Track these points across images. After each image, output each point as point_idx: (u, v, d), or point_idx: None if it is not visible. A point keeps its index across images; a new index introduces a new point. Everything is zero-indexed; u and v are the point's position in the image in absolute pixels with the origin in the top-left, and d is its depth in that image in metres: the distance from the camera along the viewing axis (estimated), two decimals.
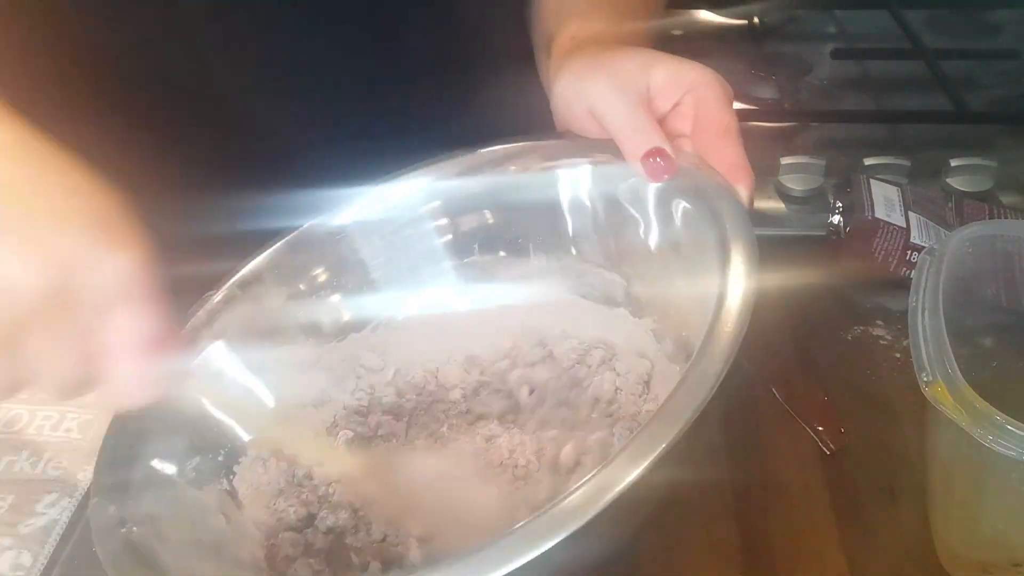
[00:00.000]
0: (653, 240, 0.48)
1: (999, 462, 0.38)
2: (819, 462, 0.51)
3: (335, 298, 0.52)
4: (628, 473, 0.31)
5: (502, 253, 0.53)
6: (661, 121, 0.45)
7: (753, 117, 0.85)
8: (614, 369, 0.50)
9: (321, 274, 0.52)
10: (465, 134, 0.52)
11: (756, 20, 0.99)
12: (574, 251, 0.52)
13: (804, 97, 0.89)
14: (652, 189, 0.46)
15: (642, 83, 0.45)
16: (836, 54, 0.94)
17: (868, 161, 0.75)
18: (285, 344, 0.51)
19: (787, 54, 0.95)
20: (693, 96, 0.45)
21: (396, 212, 0.52)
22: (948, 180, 0.74)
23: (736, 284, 0.37)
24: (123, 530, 0.37)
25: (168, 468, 0.43)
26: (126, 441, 0.42)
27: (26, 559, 0.47)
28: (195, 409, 0.45)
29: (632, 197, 0.48)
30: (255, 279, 0.50)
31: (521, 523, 0.31)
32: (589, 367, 0.50)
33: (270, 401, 0.49)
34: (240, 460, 0.47)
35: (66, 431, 0.55)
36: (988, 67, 0.92)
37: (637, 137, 0.45)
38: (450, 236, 0.53)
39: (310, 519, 0.46)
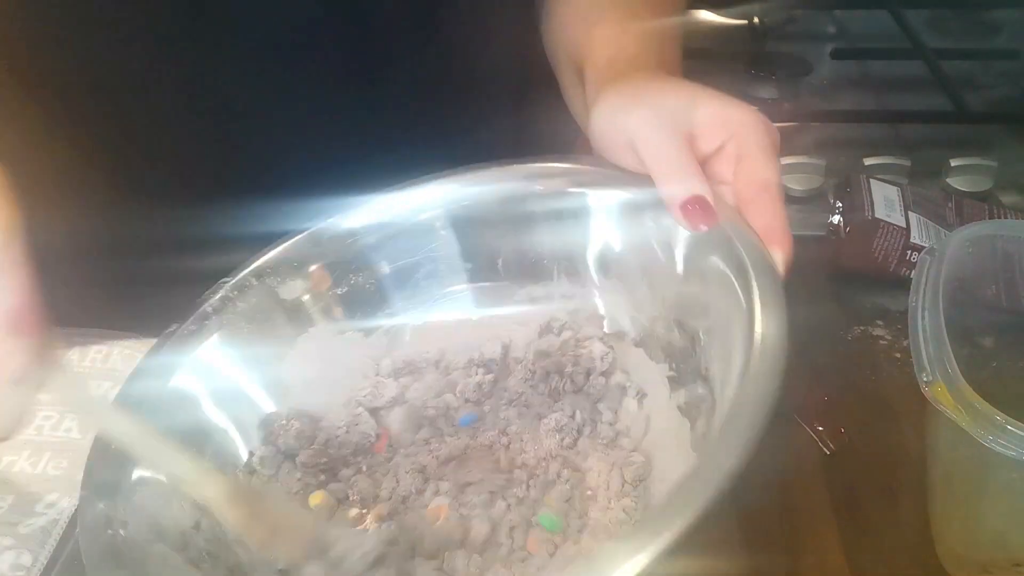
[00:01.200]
0: (675, 284, 0.45)
1: (999, 462, 0.38)
2: (819, 462, 0.51)
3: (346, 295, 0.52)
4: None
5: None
6: (704, 164, 0.42)
7: None
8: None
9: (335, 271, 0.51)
10: (453, 158, 0.51)
11: (756, 20, 0.99)
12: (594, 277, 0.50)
13: (804, 97, 0.89)
14: (684, 234, 0.43)
15: (685, 121, 0.42)
16: (836, 54, 0.94)
17: (868, 161, 0.75)
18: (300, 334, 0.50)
19: (787, 54, 0.95)
20: (737, 141, 0.41)
21: (410, 220, 0.52)
22: (948, 180, 0.74)
23: (764, 354, 0.37)
24: (109, 532, 0.37)
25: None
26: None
27: (26, 559, 0.47)
28: (191, 415, 0.45)
29: (660, 237, 0.45)
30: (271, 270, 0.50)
31: None
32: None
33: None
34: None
35: (66, 431, 0.55)
36: (988, 67, 0.92)
37: (678, 180, 0.41)
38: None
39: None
